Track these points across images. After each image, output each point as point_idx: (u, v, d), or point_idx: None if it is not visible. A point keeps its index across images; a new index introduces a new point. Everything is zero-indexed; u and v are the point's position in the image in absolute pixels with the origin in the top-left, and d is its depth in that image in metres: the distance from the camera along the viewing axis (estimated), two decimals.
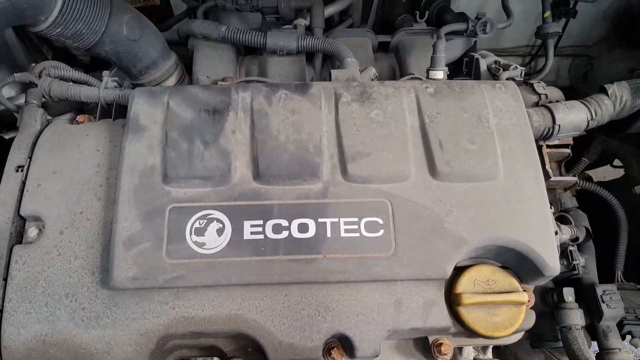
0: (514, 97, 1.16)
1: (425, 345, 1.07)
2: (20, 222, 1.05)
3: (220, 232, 0.98)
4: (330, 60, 1.57)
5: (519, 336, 1.11)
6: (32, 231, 1.03)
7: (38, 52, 1.66)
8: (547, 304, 1.31)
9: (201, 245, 0.97)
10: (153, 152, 1.05)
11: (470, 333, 1.01)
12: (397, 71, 1.57)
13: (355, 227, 0.99)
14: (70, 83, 1.23)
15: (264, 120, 1.08)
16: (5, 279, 0.98)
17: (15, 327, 0.95)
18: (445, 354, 1.03)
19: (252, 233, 0.98)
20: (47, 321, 0.95)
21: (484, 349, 1.18)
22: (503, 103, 1.14)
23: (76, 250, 1.00)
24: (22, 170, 1.08)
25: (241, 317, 0.97)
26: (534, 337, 1.34)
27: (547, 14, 1.74)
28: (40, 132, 1.15)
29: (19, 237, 1.04)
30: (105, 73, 1.24)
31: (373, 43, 1.59)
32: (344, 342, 0.99)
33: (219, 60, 1.49)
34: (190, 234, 0.98)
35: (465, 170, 1.04)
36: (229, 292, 0.98)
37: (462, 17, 1.75)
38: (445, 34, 1.46)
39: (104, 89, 1.22)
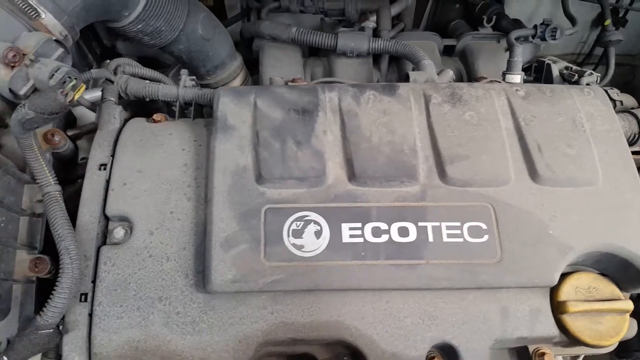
0: (604, 103, 1.13)
1: (523, 354, 1.03)
2: (104, 222, 1.02)
3: (318, 234, 0.95)
4: (396, 64, 1.55)
5: (614, 346, 1.08)
6: (118, 232, 1.00)
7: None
8: (636, 312, 1.27)
9: (299, 247, 0.94)
10: (244, 152, 1.02)
11: (575, 342, 0.98)
12: (464, 75, 1.55)
13: (458, 232, 0.96)
14: (147, 81, 1.21)
15: (354, 121, 1.05)
16: (94, 282, 0.94)
17: (107, 333, 0.91)
18: None
19: (351, 236, 0.95)
20: (140, 326, 0.91)
21: (574, 358, 1.14)
22: (594, 108, 1.12)
23: (168, 252, 0.96)
24: (104, 169, 1.05)
25: (342, 324, 0.93)
26: (621, 346, 1.30)
27: (608, 22, 1.73)
28: (120, 129, 1.12)
29: (103, 237, 1.01)
30: (184, 71, 1.21)
31: (439, 46, 1.57)
32: (448, 352, 0.95)
33: (287, 62, 1.46)
34: (288, 236, 0.94)
35: (566, 174, 1.01)
36: (328, 298, 0.94)
37: (517, 23, 1.74)
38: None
39: (183, 87, 1.19)
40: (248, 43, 1.56)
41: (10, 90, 0.91)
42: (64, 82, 0.86)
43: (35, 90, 0.91)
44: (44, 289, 0.97)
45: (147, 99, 1.20)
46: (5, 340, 0.94)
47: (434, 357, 0.96)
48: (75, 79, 0.86)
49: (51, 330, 0.87)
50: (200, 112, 1.29)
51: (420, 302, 0.95)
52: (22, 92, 0.90)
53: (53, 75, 0.88)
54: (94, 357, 0.90)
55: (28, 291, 0.97)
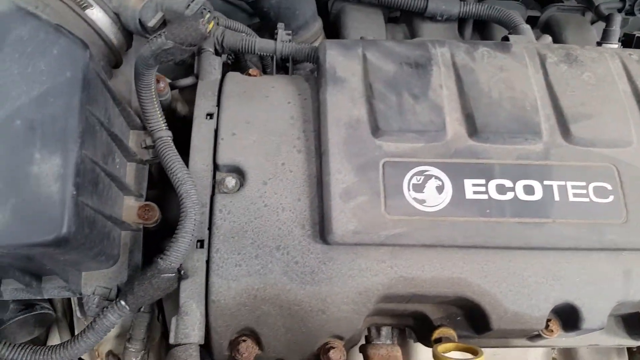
0: None
1: (630, 321, 1.01)
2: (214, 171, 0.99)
3: (440, 189, 0.92)
4: (478, 31, 1.51)
5: None
6: (229, 181, 0.97)
7: None
8: None
9: (421, 202, 0.91)
10: (356, 104, 0.98)
11: None
12: None
13: (584, 191, 0.93)
14: (243, 34, 1.17)
15: (471, 76, 1.02)
16: (210, 229, 0.92)
17: (225, 280, 0.89)
18: None
19: (474, 192, 0.92)
20: (258, 274, 0.89)
21: None
22: None
23: (283, 202, 0.94)
24: (211, 118, 1.02)
25: (465, 281, 0.90)
26: None
27: None
28: (221, 80, 1.09)
29: (212, 187, 0.98)
30: (280, 25, 1.18)
31: (523, 16, 1.53)
32: (567, 314, 0.92)
33: (369, 24, 1.43)
34: (409, 189, 0.92)
35: None
36: (450, 254, 0.91)
37: None
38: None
39: (281, 42, 1.15)
40: (323, 5, 1.52)
41: (140, 21, 0.88)
42: (201, 12, 0.83)
43: (163, 23, 0.88)
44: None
45: (242, 53, 1.17)
46: (115, 287, 0.92)
47: (549, 320, 0.94)
48: (209, 12, 0.83)
49: (172, 275, 0.85)
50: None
51: (544, 261, 0.92)
52: (151, 23, 0.87)
53: (189, 5, 0.85)
54: (212, 305, 0.88)
55: (136, 239, 0.95)
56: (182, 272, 0.87)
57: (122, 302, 0.84)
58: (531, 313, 0.90)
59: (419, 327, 1.01)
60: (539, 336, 0.97)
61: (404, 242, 0.89)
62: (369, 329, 1.04)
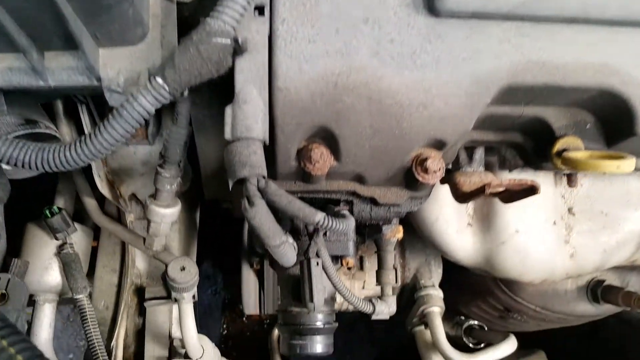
0: None
1: None
2: None
3: None
4: None
5: None
6: None
7: None
8: None
9: None
10: None
11: None
12: None
13: None
14: None
15: None
16: None
17: (296, 60, 0.65)
18: None
19: None
20: (340, 54, 0.65)
21: None
22: None
23: None
24: None
25: (611, 67, 0.68)
26: None
27: None
28: None
29: None
30: None
31: None
32: None
33: None
34: None
35: None
36: (593, 33, 0.68)
37: None
38: None
39: None
40: None
41: None
42: None
43: None
44: None
45: None
46: (146, 71, 0.69)
47: None
48: None
49: (227, 42, 0.61)
50: None
51: None
52: None
53: None
54: (278, 93, 0.66)
55: (169, 11, 0.70)
56: (239, 40, 0.63)
57: (159, 79, 0.61)
58: None
59: (529, 143, 0.80)
60: None
61: (537, 13, 0.66)
62: (457, 153, 0.84)
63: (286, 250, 0.66)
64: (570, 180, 0.99)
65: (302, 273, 0.84)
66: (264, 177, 0.63)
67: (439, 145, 0.72)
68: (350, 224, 0.69)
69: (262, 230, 0.62)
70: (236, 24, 0.61)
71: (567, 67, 0.68)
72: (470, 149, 0.85)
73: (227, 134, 0.64)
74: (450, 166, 0.85)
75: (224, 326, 2.10)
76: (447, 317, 1.41)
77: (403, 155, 0.72)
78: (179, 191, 0.92)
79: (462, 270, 1.19)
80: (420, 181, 0.72)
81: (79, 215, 1.04)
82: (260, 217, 0.62)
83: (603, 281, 1.16)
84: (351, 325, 2.30)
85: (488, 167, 0.88)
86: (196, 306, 0.96)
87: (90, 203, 0.99)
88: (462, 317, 1.42)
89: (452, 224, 0.99)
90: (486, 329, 1.36)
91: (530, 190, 0.74)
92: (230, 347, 2.04)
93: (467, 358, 1.10)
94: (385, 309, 0.95)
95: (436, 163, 0.71)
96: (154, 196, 0.86)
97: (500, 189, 0.79)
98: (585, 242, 1.02)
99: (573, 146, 0.73)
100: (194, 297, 0.89)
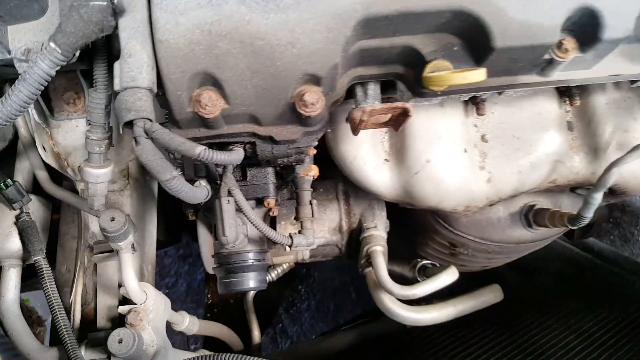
0: None
1: None
2: None
3: None
4: None
5: None
6: None
7: None
8: None
9: None
10: None
11: None
12: None
13: None
14: None
15: None
16: None
17: (172, 15, 0.73)
18: None
19: None
20: (211, 5, 0.74)
21: None
22: None
23: None
24: None
25: None
26: None
27: None
28: None
29: None
30: None
31: None
32: (585, 23, 0.77)
33: None
34: None
35: None
36: None
37: None
38: None
39: None
40: None
41: None
42: None
43: None
44: None
45: None
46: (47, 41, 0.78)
47: (563, 40, 0.80)
48: None
49: (104, 3, 0.70)
50: None
51: None
52: None
53: None
54: (159, 45, 0.74)
55: None
56: (115, 0, 0.71)
57: (52, 44, 0.70)
58: (542, 22, 0.75)
59: (410, 73, 0.87)
60: (550, 63, 0.83)
61: None
62: (354, 91, 0.91)
63: (180, 185, 0.75)
64: (479, 109, 1.06)
65: (215, 212, 0.93)
66: (150, 120, 0.72)
67: (315, 80, 0.79)
68: (234, 156, 0.77)
69: (151, 166, 0.71)
70: None
71: None
72: (365, 85, 0.92)
73: (117, 85, 0.73)
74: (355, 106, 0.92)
75: (208, 296, 2.23)
76: (408, 262, 1.48)
77: (284, 92, 0.80)
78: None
79: (406, 212, 1.26)
80: (303, 114, 0.80)
81: (39, 188, 1.15)
82: (147, 154, 0.71)
83: (534, 205, 1.22)
84: (343, 289, 2.41)
85: (390, 101, 0.95)
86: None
87: (41, 174, 1.10)
88: (419, 260, 1.49)
89: (370, 161, 1.07)
90: (438, 266, 1.43)
91: (403, 113, 0.81)
92: (216, 314, 2.17)
93: (408, 290, 1.18)
94: (304, 241, 1.03)
95: (313, 96, 0.78)
96: (87, 160, 0.96)
97: (384, 119, 0.86)
98: (500, 166, 1.08)
99: (442, 68, 0.80)
100: (133, 246, 0.99)
